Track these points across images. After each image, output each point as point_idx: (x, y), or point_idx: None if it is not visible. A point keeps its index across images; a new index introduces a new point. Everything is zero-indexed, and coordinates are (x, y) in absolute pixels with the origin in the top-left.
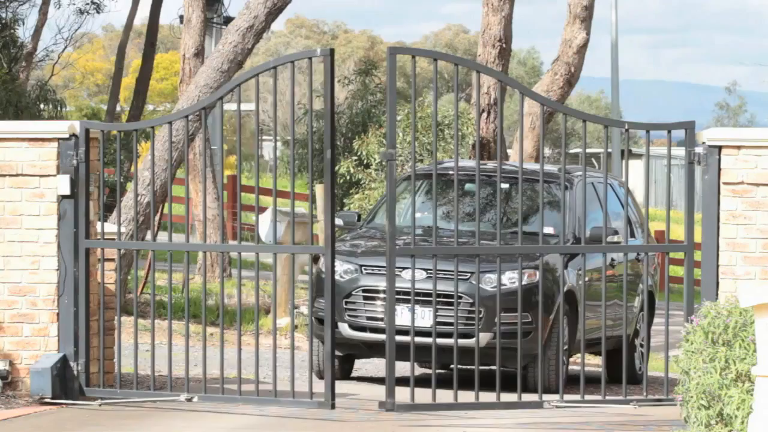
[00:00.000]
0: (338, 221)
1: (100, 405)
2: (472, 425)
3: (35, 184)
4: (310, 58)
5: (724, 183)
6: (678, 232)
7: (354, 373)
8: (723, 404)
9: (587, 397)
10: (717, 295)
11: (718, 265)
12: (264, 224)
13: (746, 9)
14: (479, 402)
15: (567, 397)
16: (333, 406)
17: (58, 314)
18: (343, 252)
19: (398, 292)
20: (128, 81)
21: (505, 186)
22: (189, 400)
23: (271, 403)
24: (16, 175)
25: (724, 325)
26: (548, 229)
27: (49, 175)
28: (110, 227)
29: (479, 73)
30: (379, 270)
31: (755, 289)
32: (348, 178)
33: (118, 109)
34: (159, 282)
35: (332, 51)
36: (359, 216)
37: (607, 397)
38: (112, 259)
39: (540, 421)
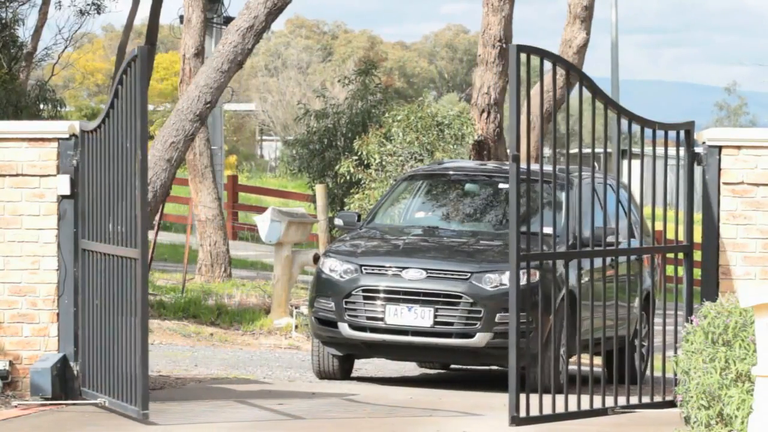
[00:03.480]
0: (338, 221)
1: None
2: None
3: (35, 184)
4: (130, 62)
5: (724, 183)
6: (678, 232)
7: (354, 373)
8: (723, 404)
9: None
10: (717, 295)
11: (718, 265)
12: (264, 224)
13: (746, 9)
14: (593, 409)
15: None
16: (146, 416)
17: (58, 314)
18: (343, 252)
19: (398, 292)
20: None
21: (505, 186)
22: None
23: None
24: (16, 175)
25: (724, 325)
26: (547, 229)
27: (49, 175)
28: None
29: (582, 80)
30: (379, 270)
31: (755, 289)
32: (348, 178)
33: None
34: (159, 282)
35: (148, 49)
36: (359, 216)
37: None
38: None
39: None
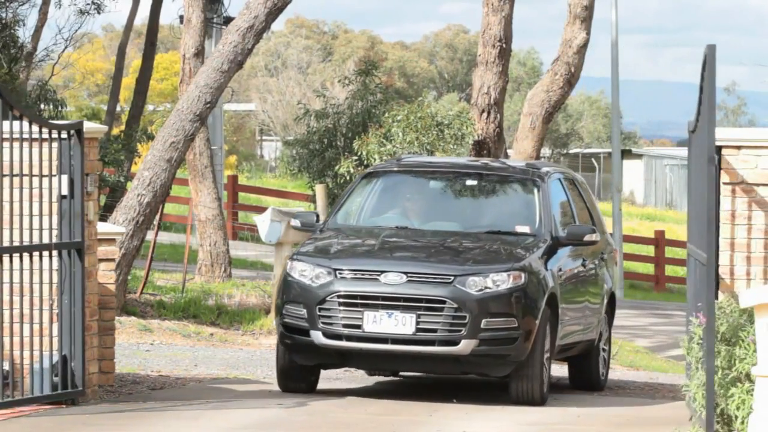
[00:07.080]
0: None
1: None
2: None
3: (35, 184)
4: None
5: (724, 183)
6: (678, 232)
7: (353, 374)
8: (723, 404)
9: (578, 408)
10: (717, 295)
11: (718, 265)
12: (264, 224)
13: (746, 9)
14: None
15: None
16: None
17: (58, 314)
18: (313, 254)
19: (377, 297)
20: (128, 81)
21: (473, 183)
22: None
23: None
24: (16, 175)
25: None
26: (524, 228)
27: (48, 175)
28: (111, 227)
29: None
30: (356, 274)
31: (755, 289)
32: (348, 178)
33: (118, 109)
34: (159, 282)
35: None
36: (317, 216)
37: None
38: (112, 260)
39: (537, 420)
